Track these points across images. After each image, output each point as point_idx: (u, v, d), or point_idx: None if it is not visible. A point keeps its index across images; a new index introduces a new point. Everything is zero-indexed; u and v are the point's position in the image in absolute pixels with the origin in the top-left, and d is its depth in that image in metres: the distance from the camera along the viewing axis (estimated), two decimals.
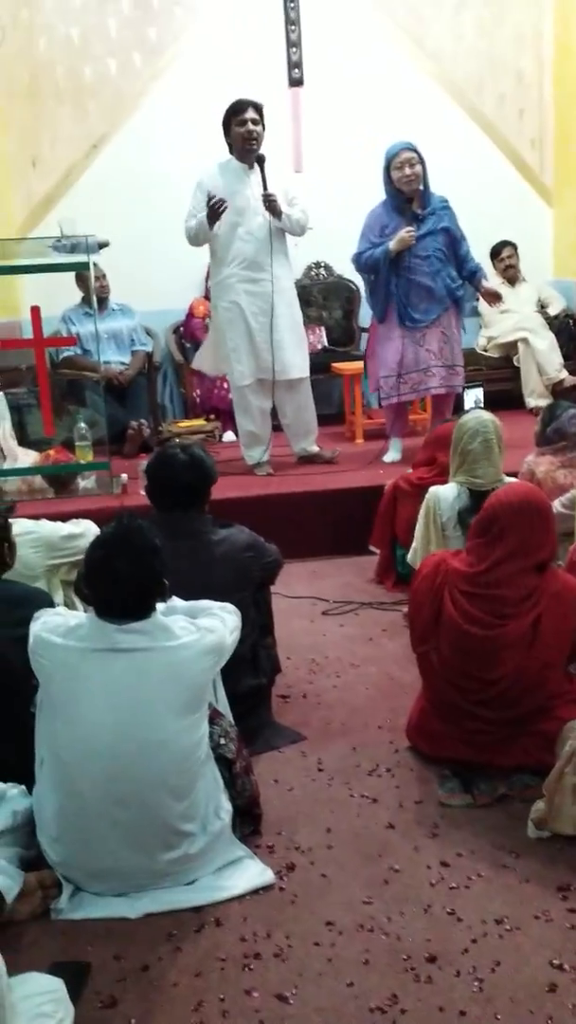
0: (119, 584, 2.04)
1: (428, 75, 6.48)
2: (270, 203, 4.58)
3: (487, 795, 2.48)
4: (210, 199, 4.53)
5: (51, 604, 2.73)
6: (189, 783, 2.08)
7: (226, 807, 2.18)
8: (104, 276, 5.75)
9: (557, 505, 3.45)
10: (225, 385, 6.03)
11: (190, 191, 4.81)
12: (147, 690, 2.03)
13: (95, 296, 5.52)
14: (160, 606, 2.16)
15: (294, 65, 6.29)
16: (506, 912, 2.04)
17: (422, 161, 4.72)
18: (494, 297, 5.01)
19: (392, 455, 5.13)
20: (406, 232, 4.69)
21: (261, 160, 4.62)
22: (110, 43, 6.16)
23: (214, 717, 2.26)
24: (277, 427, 5.15)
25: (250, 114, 4.58)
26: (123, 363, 5.93)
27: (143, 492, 2.94)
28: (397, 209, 4.79)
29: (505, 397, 6.08)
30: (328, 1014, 1.80)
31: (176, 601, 2.37)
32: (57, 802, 2.09)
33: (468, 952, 1.93)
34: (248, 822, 2.35)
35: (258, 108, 4.62)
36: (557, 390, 6.14)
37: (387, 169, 4.75)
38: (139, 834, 2.06)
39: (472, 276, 4.90)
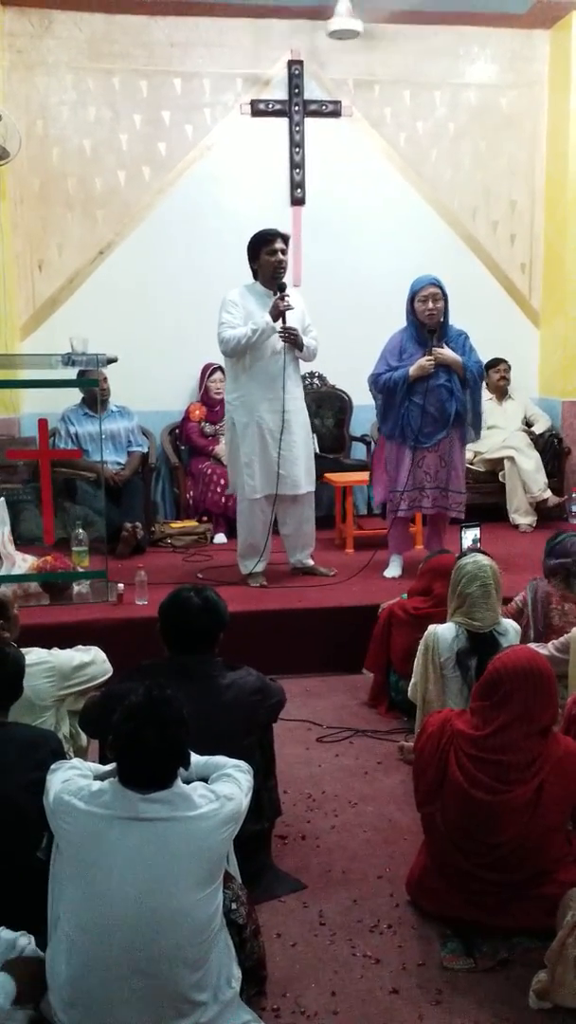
0: (147, 755, 2.07)
1: (425, 200, 6.77)
2: (292, 337, 4.79)
3: (488, 958, 2.52)
4: (281, 296, 4.75)
5: (60, 746, 2.78)
6: (204, 954, 2.10)
7: (236, 975, 2.20)
8: (106, 379, 5.88)
9: (551, 648, 3.54)
10: (219, 488, 6.14)
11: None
12: (168, 862, 2.06)
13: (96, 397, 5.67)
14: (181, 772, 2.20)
15: (296, 185, 6.57)
16: None
17: (445, 297, 4.90)
18: (426, 360, 4.88)
19: (393, 571, 5.22)
20: (426, 360, 4.86)
21: (283, 288, 4.82)
22: (121, 156, 6.39)
23: (226, 881, 2.28)
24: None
25: (279, 244, 4.82)
26: (119, 463, 6.04)
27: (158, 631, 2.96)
28: (416, 338, 4.96)
29: (491, 509, 6.25)
30: None
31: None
32: (73, 967, 2.10)
33: None
34: (254, 983, 2.36)
35: (285, 239, 4.87)
36: (541, 508, 6.30)
37: (411, 300, 4.93)
38: (153, 1003, 2.07)
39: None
